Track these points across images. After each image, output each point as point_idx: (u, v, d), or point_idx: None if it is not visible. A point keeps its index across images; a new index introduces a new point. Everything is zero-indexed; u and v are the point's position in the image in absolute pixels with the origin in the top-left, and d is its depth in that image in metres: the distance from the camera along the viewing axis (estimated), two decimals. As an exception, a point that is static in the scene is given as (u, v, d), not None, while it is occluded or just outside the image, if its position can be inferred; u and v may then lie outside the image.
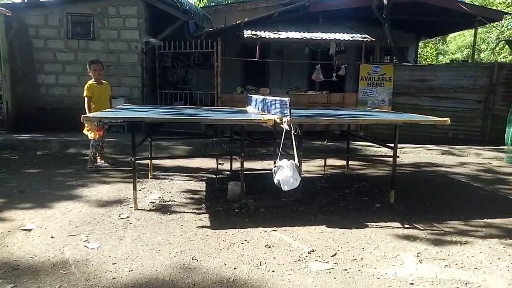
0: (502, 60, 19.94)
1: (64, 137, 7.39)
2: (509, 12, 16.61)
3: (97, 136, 5.37)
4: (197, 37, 9.04)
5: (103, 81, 5.71)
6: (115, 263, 2.64)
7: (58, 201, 4.03)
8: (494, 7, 17.11)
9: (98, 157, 5.75)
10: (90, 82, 5.52)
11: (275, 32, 8.90)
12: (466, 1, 15.42)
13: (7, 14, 8.41)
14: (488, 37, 23.00)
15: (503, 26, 19.58)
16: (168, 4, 9.16)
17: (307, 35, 8.80)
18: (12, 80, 8.62)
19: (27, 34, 8.70)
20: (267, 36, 8.67)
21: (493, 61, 16.58)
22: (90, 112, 5.16)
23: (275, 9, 9.58)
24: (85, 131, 5.42)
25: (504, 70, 8.51)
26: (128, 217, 3.59)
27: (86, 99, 5.39)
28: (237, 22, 9.17)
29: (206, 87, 9.03)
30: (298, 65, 10.34)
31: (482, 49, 23.58)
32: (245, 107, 5.60)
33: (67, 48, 8.77)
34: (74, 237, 3.08)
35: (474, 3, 18.09)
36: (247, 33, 8.67)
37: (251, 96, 5.40)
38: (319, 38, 8.75)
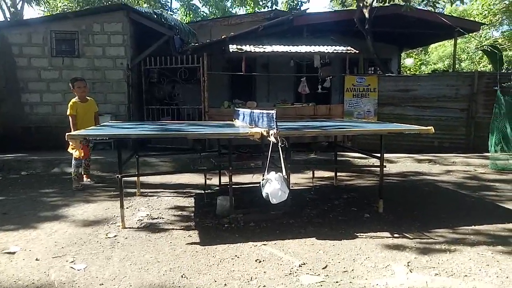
0: (482, 69, 20.49)
1: (49, 156, 7.25)
2: (486, 23, 17.14)
3: (82, 155, 5.29)
4: (183, 53, 9.07)
5: (88, 98, 5.65)
6: (102, 284, 2.58)
7: (43, 222, 3.93)
8: (472, 18, 17.66)
9: (84, 176, 5.66)
10: (74, 100, 5.46)
11: (260, 46, 9.00)
12: (445, 13, 15.88)
13: (-11, 33, 8.34)
14: (467, 47, 23.65)
15: (481, 36, 20.18)
16: (153, 21, 9.22)
17: (292, 48, 8.92)
18: (-5, 100, 8.49)
19: (11, 53, 8.61)
20: (253, 50, 8.76)
21: (473, 70, 17.03)
22: (75, 130, 5.10)
23: (260, 24, 9.70)
24: (69, 150, 5.34)
25: (484, 78, 8.74)
26: (115, 236, 3.52)
27: (70, 118, 5.34)
28: (223, 36, 9.25)
29: (193, 102, 9.04)
30: (284, 78, 10.44)
31: (463, 59, 24.22)
32: (233, 121, 5.61)
33: (52, 66, 8.70)
34: (60, 259, 3.00)
35: (453, 14, 18.62)
36: (233, 48, 8.74)
37: (238, 110, 5.42)
38: (303, 51, 8.87)
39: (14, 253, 3.12)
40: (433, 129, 4.00)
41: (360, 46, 9.29)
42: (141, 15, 9.13)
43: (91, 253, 3.12)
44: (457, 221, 3.91)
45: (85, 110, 5.50)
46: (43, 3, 18.40)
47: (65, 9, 18.58)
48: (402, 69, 15.32)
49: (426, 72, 21.17)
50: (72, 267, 2.84)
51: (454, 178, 6.28)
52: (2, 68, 8.59)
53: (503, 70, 9.23)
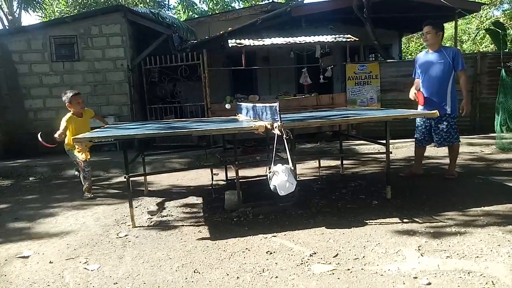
0: (483, 49, 20.25)
1: (56, 160, 7.31)
2: (486, 2, 16.92)
3: (88, 157, 5.27)
4: (182, 50, 9.06)
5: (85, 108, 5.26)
6: (116, 283, 2.61)
7: (54, 225, 3.98)
8: (472, -1, 17.41)
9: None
10: (69, 114, 5.01)
11: (259, 39, 8.96)
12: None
13: (-11, 41, 8.38)
14: (468, 28, 23.40)
15: (481, 16, 19.93)
16: (150, 20, 9.21)
17: (291, 39, 8.87)
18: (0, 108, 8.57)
19: (11, 60, 8.65)
20: (252, 44, 8.73)
21: (475, 51, 16.83)
22: (61, 134, 4.87)
23: (258, 17, 9.65)
24: (75, 153, 5.35)
25: (486, 59, 8.65)
26: (126, 235, 3.56)
27: (62, 129, 4.89)
28: (221, 32, 9.22)
29: (195, 99, 9.05)
30: (285, 70, 10.41)
31: (464, 40, 23.97)
32: (236, 115, 5.61)
33: (53, 71, 8.73)
34: (73, 260, 3.04)
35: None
36: (232, 42, 8.72)
37: (241, 104, 5.41)
38: (303, 42, 8.82)
39: (27, 257, 3.16)
40: (437, 112, 3.98)
41: (360, 34, 9.22)
42: (138, 15, 9.12)
43: (104, 253, 3.16)
44: (466, 203, 3.89)
45: (80, 125, 5.03)
46: (39, 9, 18.39)
47: (62, 14, 18.59)
48: (403, 54, 15.21)
49: (427, 56, 20.96)
50: (85, 268, 2.87)
51: (461, 160, 6.23)
52: (3, 76, 8.64)
53: (506, 50, 9.11)
